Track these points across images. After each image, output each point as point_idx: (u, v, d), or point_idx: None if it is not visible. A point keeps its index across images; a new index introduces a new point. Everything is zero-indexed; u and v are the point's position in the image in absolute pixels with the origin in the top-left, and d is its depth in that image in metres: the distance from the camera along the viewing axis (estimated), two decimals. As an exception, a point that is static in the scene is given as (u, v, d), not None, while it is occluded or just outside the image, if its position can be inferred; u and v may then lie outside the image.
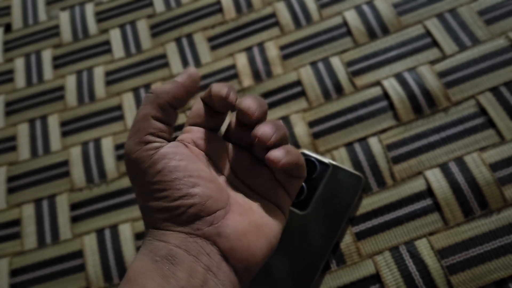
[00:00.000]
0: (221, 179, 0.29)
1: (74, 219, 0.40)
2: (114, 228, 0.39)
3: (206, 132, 0.30)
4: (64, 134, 0.45)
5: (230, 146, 0.31)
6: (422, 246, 0.34)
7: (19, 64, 0.50)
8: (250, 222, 0.27)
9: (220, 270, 0.25)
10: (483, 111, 0.38)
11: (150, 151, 0.26)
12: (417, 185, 0.36)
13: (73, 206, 0.41)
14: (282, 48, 0.46)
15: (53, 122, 0.46)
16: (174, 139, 0.29)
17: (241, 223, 0.26)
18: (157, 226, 0.25)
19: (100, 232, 0.39)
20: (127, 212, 0.40)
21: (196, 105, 0.31)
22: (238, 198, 0.28)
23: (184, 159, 0.26)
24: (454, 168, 0.36)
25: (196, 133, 0.29)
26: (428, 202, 0.36)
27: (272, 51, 0.46)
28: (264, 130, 0.26)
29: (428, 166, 0.37)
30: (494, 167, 0.36)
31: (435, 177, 0.36)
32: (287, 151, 0.26)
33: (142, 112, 0.27)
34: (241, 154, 0.31)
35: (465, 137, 0.37)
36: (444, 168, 0.36)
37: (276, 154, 0.26)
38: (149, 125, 0.27)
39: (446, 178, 0.36)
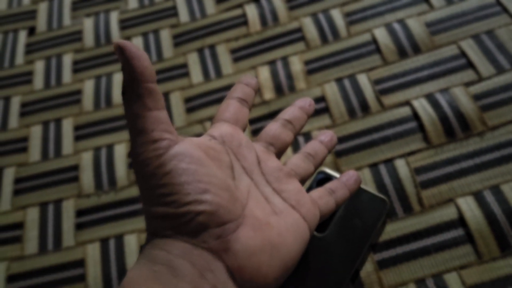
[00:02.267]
0: (246, 182, 0.26)
1: (79, 226, 0.38)
2: (119, 239, 0.37)
3: (235, 129, 0.28)
4: (77, 138, 0.44)
5: (261, 147, 0.29)
6: (452, 281, 0.31)
7: (39, 66, 0.50)
8: (264, 239, 0.24)
9: None
10: (522, 138, 0.35)
11: (159, 150, 0.23)
12: (447, 213, 0.33)
13: (79, 213, 0.39)
14: (306, 63, 0.44)
15: (67, 126, 0.45)
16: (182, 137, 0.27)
17: (252, 240, 0.24)
18: (160, 234, 0.23)
19: (104, 242, 0.37)
20: (135, 222, 0.38)
21: (225, 101, 0.30)
22: (256, 210, 0.25)
23: (194, 162, 0.24)
24: (489, 197, 0.33)
25: (226, 129, 0.28)
26: (459, 232, 0.32)
27: (296, 65, 0.44)
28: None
29: (461, 193, 0.34)
30: (535, 198, 0.33)
31: (468, 206, 0.33)
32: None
33: (134, 109, 0.23)
34: (272, 157, 0.29)
35: (502, 165, 0.34)
36: (478, 196, 0.33)
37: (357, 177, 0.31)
38: (150, 120, 0.23)
39: (481, 207, 0.33)
